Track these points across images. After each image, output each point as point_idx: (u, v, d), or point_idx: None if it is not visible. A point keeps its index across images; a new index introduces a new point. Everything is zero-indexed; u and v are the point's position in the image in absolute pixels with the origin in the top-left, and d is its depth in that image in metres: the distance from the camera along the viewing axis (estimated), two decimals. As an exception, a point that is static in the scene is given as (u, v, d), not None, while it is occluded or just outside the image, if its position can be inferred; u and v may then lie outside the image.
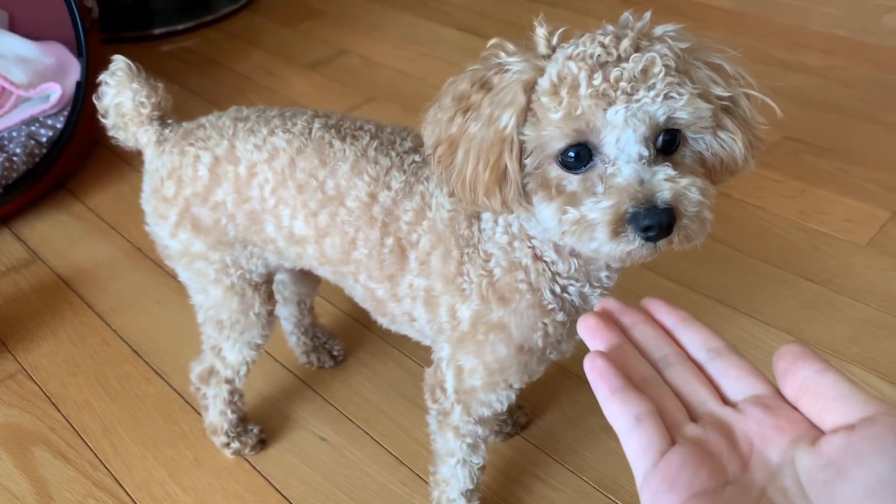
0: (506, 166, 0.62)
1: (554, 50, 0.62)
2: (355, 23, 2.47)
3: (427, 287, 0.81)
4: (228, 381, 1.04)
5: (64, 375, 1.26)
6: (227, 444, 1.10)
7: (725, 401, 0.41)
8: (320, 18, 2.51)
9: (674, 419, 0.40)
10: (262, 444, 1.12)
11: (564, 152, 0.60)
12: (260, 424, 1.14)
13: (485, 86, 0.64)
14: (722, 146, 0.64)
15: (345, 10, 2.56)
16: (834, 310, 1.30)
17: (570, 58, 0.59)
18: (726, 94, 0.63)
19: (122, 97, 0.92)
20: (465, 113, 0.64)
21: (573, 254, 0.73)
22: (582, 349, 1.26)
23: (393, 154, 0.83)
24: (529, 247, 0.74)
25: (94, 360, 1.29)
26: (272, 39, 2.39)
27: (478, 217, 0.77)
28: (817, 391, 0.37)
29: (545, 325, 0.78)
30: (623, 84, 0.57)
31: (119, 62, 0.92)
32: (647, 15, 0.63)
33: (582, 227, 0.60)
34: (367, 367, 1.25)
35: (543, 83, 0.60)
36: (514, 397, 0.86)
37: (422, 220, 0.79)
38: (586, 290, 0.77)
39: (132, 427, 1.17)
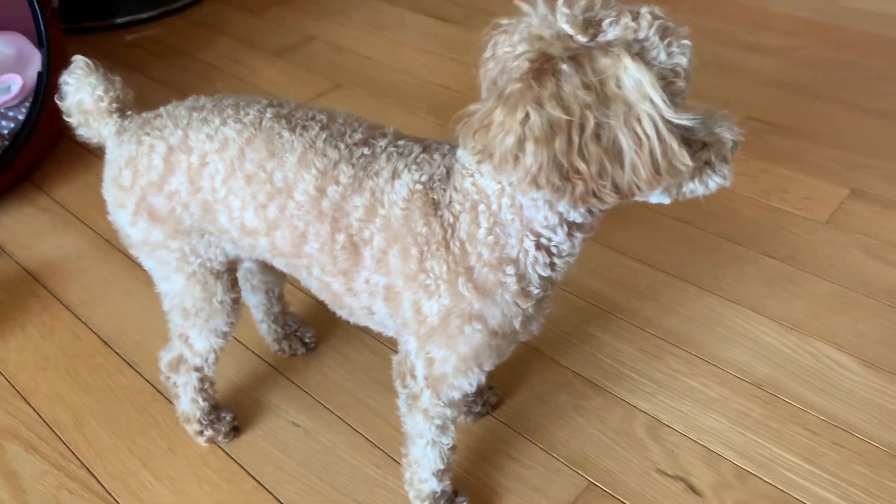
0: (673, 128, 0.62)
1: (594, 31, 0.62)
2: (322, 9, 2.45)
3: (387, 284, 0.81)
4: (197, 369, 1.04)
5: (34, 369, 1.26)
6: (201, 432, 1.10)
7: None
8: (286, 5, 2.49)
9: None
10: (235, 431, 1.13)
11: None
12: (233, 412, 1.14)
13: (584, 85, 0.60)
14: None
15: (310, -3, 2.55)
16: (795, 286, 1.33)
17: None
18: None
19: (82, 94, 0.91)
20: (592, 111, 0.60)
21: (579, 229, 0.75)
22: (550, 332, 1.29)
23: (342, 146, 0.82)
24: (533, 239, 0.74)
25: (64, 353, 1.29)
26: (238, 27, 2.37)
27: (435, 214, 0.77)
28: None
29: (525, 309, 0.79)
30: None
31: (78, 61, 0.91)
32: None
33: (716, 162, 0.68)
34: (339, 353, 1.26)
35: (662, 58, 0.62)
36: (483, 379, 0.87)
37: (374, 217, 0.79)
38: (571, 261, 0.79)
39: (104, 418, 1.17)
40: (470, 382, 0.86)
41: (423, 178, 0.78)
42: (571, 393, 1.18)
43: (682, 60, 0.62)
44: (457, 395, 0.88)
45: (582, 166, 0.60)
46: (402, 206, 0.78)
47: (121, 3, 2.40)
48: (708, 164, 0.67)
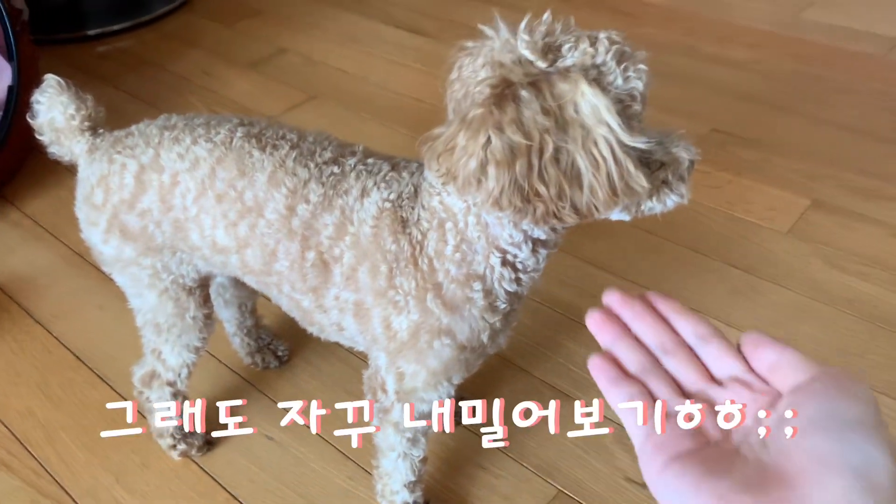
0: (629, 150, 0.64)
1: (554, 57, 0.64)
2: (294, 21, 2.47)
3: (356, 300, 0.83)
4: (170, 384, 1.05)
5: (4, 385, 1.26)
6: (174, 447, 1.11)
7: (713, 379, 0.50)
8: (258, 17, 2.50)
9: (666, 398, 0.49)
10: (209, 445, 1.14)
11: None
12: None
13: (543, 110, 0.62)
14: None
15: (283, 9, 2.55)
16: (758, 295, 1.37)
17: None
18: None
19: (54, 112, 0.92)
20: (552, 136, 0.62)
21: (544, 245, 0.77)
22: (521, 342, 1.30)
23: (311, 165, 0.83)
24: (499, 256, 0.76)
25: (35, 369, 1.29)
26: (210, 39, 2.38)
27: (403, 232, 0.79)
28: (780, 366, 0.47)
29: (493, 323, 0.81)
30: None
31: (50, 80, 0.92)
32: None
33: (671, 183, 0.71)
34: (312, 366, 1.27)
35: (618, 83, 0.64)
36: (453, 392, 0.89)
37: (343, 235, 0.81)
38: (536, 276, 0.81)
39: (77, 433, 1.17)
40: (440, 395, 0.88)
41: (392, 196, 0.80)
42: (541, 402, 1.20)
43: (639, 85, 0.65)
44: (427, 408, 0.89)
45: (542, 189, 0.62)
46: (372, 223, 0.80)
47: (92, 14, 2.39)
48: (665, 182, 0.70)
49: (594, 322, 0.54)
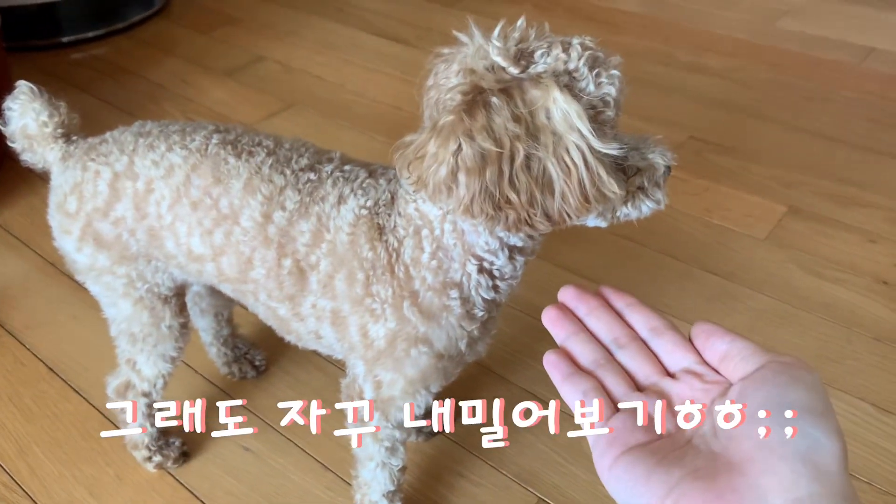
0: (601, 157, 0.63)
1: (526, 63, 0.64)
2: (272, 29, 2.46)
3: (333, 308, 0.82)
4: (146, 395, 1.03)
5: (-25, 397, 1.23)
6: (149, 458, 1.09)
7: (666, 372, 0.51)
8: (236, 25, 2.49)
9: (619, 392, 0.50)
10: (185, 456, 1.12)
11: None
12: (182, 437, 1.14)
13: (513, 117, 0.61)
14: None
15: (260, 17, 2.54)
16: (736, 301, 1.38)
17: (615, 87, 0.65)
18: None
19: (26, 119, 0.91)
20: (522, 143, 0.61)
21: (520, 252, 0.76)
22: (500, 350, 1.30)
23: (288, 172, 0.83)
24: (475, 263, 0.76)
25: (7, 381, 1.26)
26: (186, 47, 2.36)
27: (380, 239, 0.78)
28: (731, 356, 0.48)
29: (470, 331, 0.81)
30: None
31: (22, 86, 0.91)
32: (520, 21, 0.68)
33: (647, 190, 0.70)
34: (289, 375, 1.26)
35: (590, 89, 0.64)
36: (431, 400, 0.88)
37: (320, 242, 0.80)
38: (514, 283, 0.80)
39: (49, 446, 1.15)
40: (418, 404, 0.87)
41: (369, 203, 0.80)
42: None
43: (611, 90, 0.65)
44: (402, 416, 0.89)
45: (513, 196, 0.62)
46: (348, 231, 0.79)
47: (67, 21, 2.36)
48: (641, 189, 0.70)
49: (549, 318, 0.55)
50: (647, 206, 0.71)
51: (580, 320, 0.56)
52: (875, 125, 1.87)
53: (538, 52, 0.64)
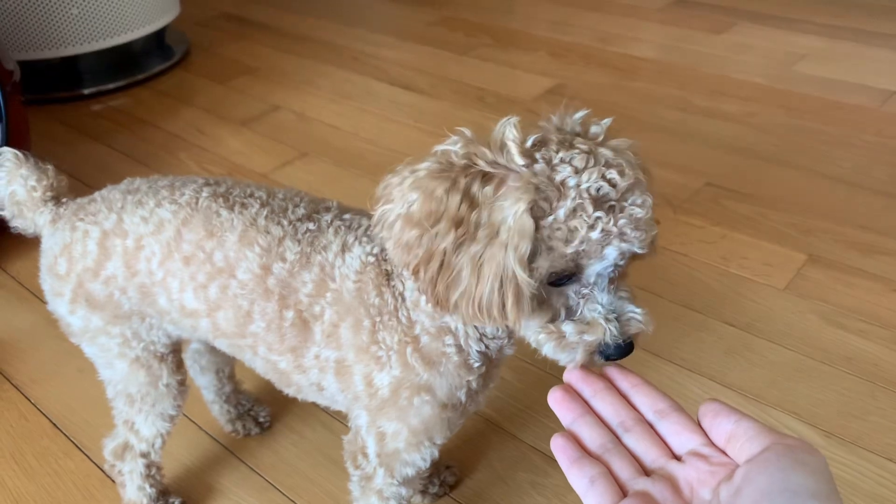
0: (519, 288, 0.60)
1: (532, 157, 0.61)
2: (288, 78, 2.48)
3: (338, 358, 0.80)
4: (144, 455, 1.01)
5: (-23, 454, 1.22)
6: (148, 520, 1.06)
7: (673, 455, 0.51)
8: (253, 75, 2.52)
9: (627, 476, 0.50)
10: (184, 518, 1.09)
11: (559, 274, 0.62)
12: (182, 496, 1.11)
13: (473, 201, 0.60)
14: None
15: (277, 67, 2.58)
16: (754, 354, 1.33)
17: (580, 191, 0.59)
18: None
19: (14, 185, 0.91)
20: (457, 229, 0.60)
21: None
22: (508, 405, 1.26)
23: (285, 222, 0.82)
24: None
25: (9, 436, 1.25)
26: (203, 97, 2.39)
27: (388, 285, 0.77)
28: (737, 436, 0.48)
29: (469, 381, 0.79)
30: (622, 223, 0.60)
31: (7, 153, 0.91)
32: (606, 122, 0.66)
33: (562, 344, 0.64)
34: (294, 432, 1.23)
35: (559, 216, 0.59)
36: (437, 453, 0.86)
37: (324, 291, 0.79)
38: (505, 343, 0.78)
39: (48, 506, 1.13)
40: (423, 457, 0.84)
41: (375, 251, 0.79)
42: (530, 470, 1.16)
43: (593, 234, 0.60)
44: (411, 471, 0.86)
45: (421, 267, 0.62)
46: (355, 278, 0.78)
47: (88, 73, 2.41)
48: (562, 338, 0.65)
49: (555, 400, 0.56)
50: (561, 356, 0.65)
51: (586, 402, 0.56)
52: (897, 170, 1.84)
53: (555, 160, 0.61)
